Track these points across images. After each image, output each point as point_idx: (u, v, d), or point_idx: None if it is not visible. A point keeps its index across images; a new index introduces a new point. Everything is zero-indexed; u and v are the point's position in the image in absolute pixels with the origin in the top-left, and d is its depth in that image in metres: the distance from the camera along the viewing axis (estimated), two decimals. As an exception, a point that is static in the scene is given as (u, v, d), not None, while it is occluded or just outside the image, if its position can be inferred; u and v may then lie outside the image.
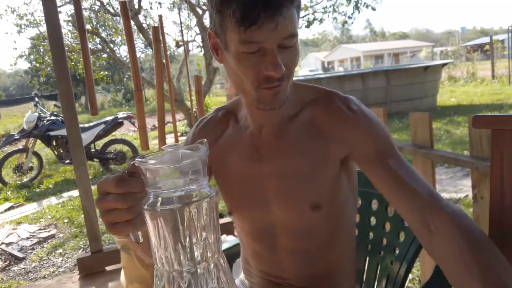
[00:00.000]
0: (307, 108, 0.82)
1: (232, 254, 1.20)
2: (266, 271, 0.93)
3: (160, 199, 0.44)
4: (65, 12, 10.19)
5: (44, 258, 3.02)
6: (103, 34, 11.71)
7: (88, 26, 9.68)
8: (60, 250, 3.14)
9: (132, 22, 8.47)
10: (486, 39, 20.66)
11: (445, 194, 3.49)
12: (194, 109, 4.08)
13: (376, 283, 1.10)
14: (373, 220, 1.16)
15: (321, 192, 0.82)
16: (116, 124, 5.92)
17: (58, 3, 9.24)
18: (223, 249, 1.24)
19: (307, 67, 46.71)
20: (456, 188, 3.65)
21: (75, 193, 4.81)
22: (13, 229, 3.72)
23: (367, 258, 1.14)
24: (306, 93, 0.84)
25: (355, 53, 42.20)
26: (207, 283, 0.45)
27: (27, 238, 3.45)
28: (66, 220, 3.87)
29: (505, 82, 12.02)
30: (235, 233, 1.04)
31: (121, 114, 6.09)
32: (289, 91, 0.75)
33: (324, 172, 0.81)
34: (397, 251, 1.06)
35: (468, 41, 40.36)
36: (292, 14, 0.67)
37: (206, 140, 0.46)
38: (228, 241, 1.30)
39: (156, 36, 2.73)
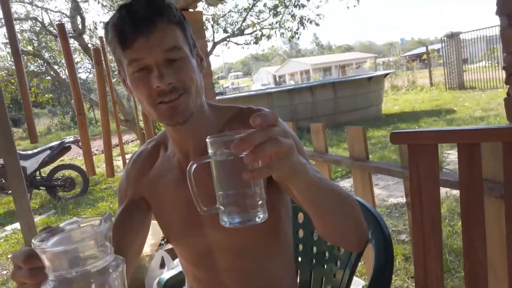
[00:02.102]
0: (226, 128, 0.85)
1: (178, 282, 1.19)
2: None
3: (56, 282, 0.43)
4: (4, 34, 9.71)
5: (-16, 299, 2.81)
6: (46, 56, 11.26)
7: (29, 48, 9.27)
8: (3, 289, 2.94)
9: (77, 43, 8.23)
10: (423, 49, 22.02)
11: (392, 199, 3.65)
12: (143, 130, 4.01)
13: (321, 295, 1.14)
14: (316, 235, 1.20)
15: None
16: (63, 149, 5.67)
17: (-6, 25, 8.79)
18: (169, 276, 1.23)
19: (259, 81, 47.37)
20: (402, 193, 3.82)
21: (19, 225, 4.53)
22: (-51, 270, 3.43)
23: (312, 272, 1.18)
24: (223, 113, 0.88)
25: (304, 66, 43.46)
26: None
27: (-35, 278, 3.20)
28: (10, 256, 3.62)
29: (442, 88, 12.85)
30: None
31: (68, 138, 5.85)
32: (193, 107, 0.77)
33: None
34: (338, 263, 1.10)
35: (408, 51, 42.83)
36: (168, 28, 0.72)
37: (109, 213, 0.48)
38: (176, 266, 1.29)
39: (97, 59, 2.68)
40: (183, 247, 0.91)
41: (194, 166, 0.58)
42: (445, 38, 12.30)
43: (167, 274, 1.22)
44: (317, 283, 1.15)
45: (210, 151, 0.56)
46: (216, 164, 0.56)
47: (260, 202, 0.58)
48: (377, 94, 9.38)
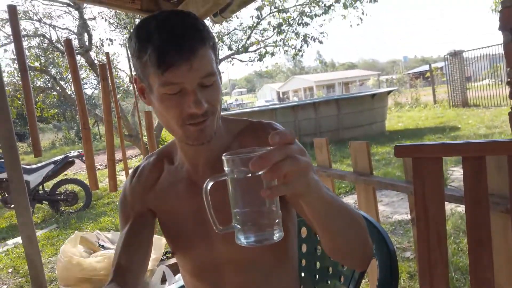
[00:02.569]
0: (236, 140, 0.86)
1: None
2: None
3: None
4: (12, 50, 9.86)
5: (-16, 314, 2.77)
6: (53, 72, 11.41)
7: (37, 64, 9.41)
8: (3, 304, 2.90)
9: (83, 59, 8.34)
10: (426, 67, 22.14)
11: (396, 216, 3.61)
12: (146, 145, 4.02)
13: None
14: (319, 250, 1.18)
15: None
16: (66, 163, 5.69)
17: (3, 41, 8.95)
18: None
19: (263, 97, 47.73)
20: (407, 209, 3.79)
21: (21, 239, 4.50)
22: (-51, 284, 3.40)
23: (315, 288, 1.16)
24: (233, 126, 0.88)
25: (308, 83, 43.75)
26: None
27: (-35, 293, 3.17)
28: (10, 270, 3.60)
29: (445, 106, 12.85)
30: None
31: (72, 153, 5.88)
32: (216, 126, 0.79)
33: None
34: (342, 279, 1.08)
35: (411, 69, 43.07)
36: (207, 54, 0.72)
37: None
38: (177, 281, 1.27)
39: (103, 74, 2.71)
40: (190, 260, 0.90)
41: (211, 183, 0.57)
42: (448, 56, 12.36)
43: (168, 289, 1.20)
44: (320, 300, 1.13)
45: (226, 168, 0.55)
46: (233, 182, 0.55)
47: (276, 220, 0.57)
48: (380, 111, 9.39)
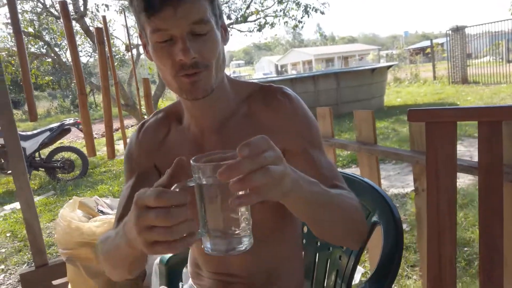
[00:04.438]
0: (245, 103, 0.84)
1: (181, 260, 1.18)
2: (216, 271, 0.92)
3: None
4: (4, 14, 9.57)
5: (-18, 277, 2.80)
6: (47, 38, 11.15)
7: (30, 29, 9.18)
8: (2, 266, 2.93)
9: (78, 25, 8.14)
10: (427, 43, 21.87)
11: (393, 190, 3.64)
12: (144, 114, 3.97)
13: (326, 278, 1.12)
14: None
15: None
16: (62, 130, 5.65)
17: (-5, 4, 8.68)
18: (171, 254, 1.21)
19: (261, 70, 47.27)
20: (403, 183, 3.81)
21: (18, 205, 4.51)
22: None
23: (317, 254, 1.16)
24: (242, 89, 0.86)
25: (307, 56, 43.22)
26: None
27: (-37, 256, 3.19)
28: (8, 234, 3.62)
29: (445, 82, 12.78)
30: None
31: (68, 121, 5.83)
32: (213, 82, 0.75)
33: None
34: (344, 247, 1.08)
35: (411, 45, 42.60)
36: (196, 1, 0.68)
37: None
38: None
39: (100, 38, 2.63)
40: None
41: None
42: (450, 32, 12.18)
43: (169, 253, 1.20)
44: (322, 267, 1.14)
45: (194, 174, 0.53)
46: (199, 189, 0.53)
47: (246, 227, 0.54)
48: (379, 85, 9.32)
